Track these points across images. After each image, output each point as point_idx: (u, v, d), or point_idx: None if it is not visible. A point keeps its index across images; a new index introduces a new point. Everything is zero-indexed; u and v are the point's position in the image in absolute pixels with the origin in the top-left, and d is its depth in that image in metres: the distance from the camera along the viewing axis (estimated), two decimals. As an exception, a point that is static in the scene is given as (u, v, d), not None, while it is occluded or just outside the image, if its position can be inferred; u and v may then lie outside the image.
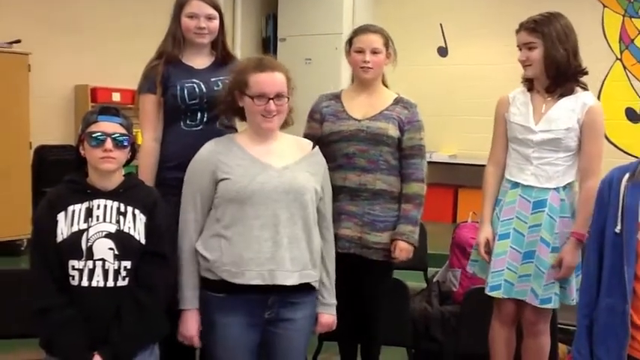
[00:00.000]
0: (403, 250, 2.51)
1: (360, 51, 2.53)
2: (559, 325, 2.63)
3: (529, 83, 2.50)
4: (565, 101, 2.40)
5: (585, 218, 2.27)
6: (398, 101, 2.58)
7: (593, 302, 1.80)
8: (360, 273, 2.55)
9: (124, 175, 1.97)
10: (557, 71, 2.39)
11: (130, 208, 1.89)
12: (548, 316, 2.48)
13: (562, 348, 2.79)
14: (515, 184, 2.45)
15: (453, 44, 6.74)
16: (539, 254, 2.38)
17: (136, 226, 1.89)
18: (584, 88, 2.45)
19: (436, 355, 2.88)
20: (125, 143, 1.89)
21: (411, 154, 2.55)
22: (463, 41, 6.66)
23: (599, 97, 4.98)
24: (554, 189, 2.41)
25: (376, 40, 2.53)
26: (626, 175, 1.75)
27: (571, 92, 2.40)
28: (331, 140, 2.53)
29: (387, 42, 2.56)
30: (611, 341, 1.73)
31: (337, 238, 2.33)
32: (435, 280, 3.26)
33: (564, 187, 2.42)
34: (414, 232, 2.53)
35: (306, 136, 2.42)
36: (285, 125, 2.12)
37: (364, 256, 2.51)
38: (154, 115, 2.43)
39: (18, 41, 4.85)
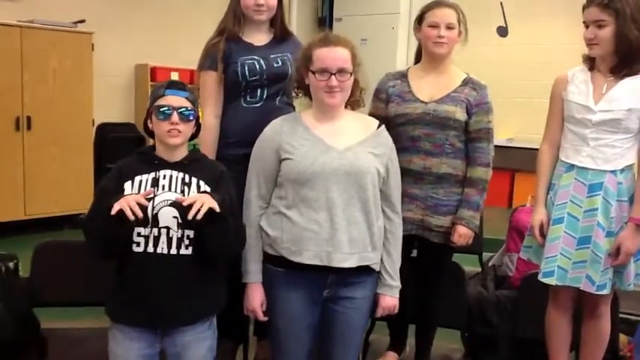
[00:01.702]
0: (463, 235, 2.48)
1: (435, 25, 2.47)
2: (621, 315, 2.56)
3: (590, 62, 2.40)
4: (628, 81, 2.30)
5: None
6: (467, 82, 2.52)
7: None
8: (420, 255, 2.55)
9: (189, 150, 2.01)
10: (628, 52, 2.29)
11: (194, 179, 1.92)
12: (609, 299, 2.41)
13: (622, 338, 2.72)
14: (571, 167, 2.37)
15: (513, 24, 6.56)
16: (596, 239, 2.31)
17: None
18: None
19: (490, 339, 2.84)
20: (191, 117, 1.93)
21: (478, 137, 2.50)
22: (523, 21, 6.47)
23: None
24: (611, 172, 2.32)
25: (451, 15, 2.47)
26: None
27: (636, 73, 2.30)
28: (397, 123, 2.50)
29: (460, 18, 2.51)
30: None
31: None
32: (490, 264, 3.22)
33: (622, 170, 2.32)
34: (475, 217, 2.49)
35: (371, 115, 2.39)
36: (355, 105, 2.11)
37: (425, 238, 2.50)
38: (215, 91, 2.47)
39: (82, 21, 4.99)
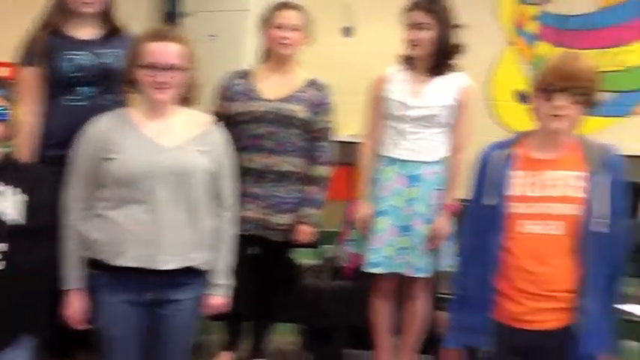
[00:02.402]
0: (305, 233, 2.56)
1: (280, 27, 2.51)
2: (442, 295, 2.77)
3: (408, 61, 2.56)
4: (442, 80, 2.51)
5: (455, 190, 2.41)
6: (311, 82, 2.60)
7: (466, 272, 1.92)
8: (260, 253, 2.58)
9: (4, 154, 1.87)
10: (444, 54, 2.49)
11: (9, 188, 1.80)
12: (426, 282, 2.60)
13: (443, 315, 2.94)
14: (391, 161, 2.54)
15: (358, 24, 6.79)
16: (415, 226, 2.50)
17: (14, 205, 1.80)
18: (457, 68, 2.55)
19: (328, 330, 2.96)
20: (5, 117, 1.80)
21: (319, 136, 2.59)
22: (370, 22, 6.72)
23: (489, 80, 5.23)
24: (429, 163, 2.51)
25: (296, 17, 2.54)
26: (500, 150, 1.88)
27: (448, 72, 2.51)
28: (240, 121, 2.51)
29: (305, 20, 2.57)
30: (479, 307, 1.86)
31: (240, 220, 2.32)
32: (327, 256, 3.33)
33: (438, 161, 2.53)
34: (317, 215, 2.58)
35: (215, 114, 2.37)
36: (189, 102, 2.06)
37: (266, 238, 2.54)
38: (34, 88, 2.33)
39: None
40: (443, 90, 2.50)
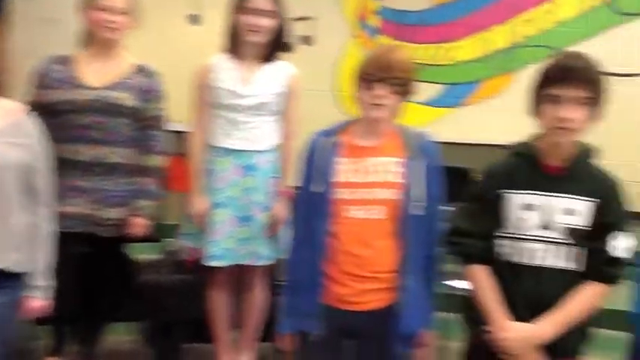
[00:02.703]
0: (139, 227, 2.45)
1: (105, 9, 2.36)
2: (280, 282, 2.80)
3: (234, 49, 2.52)
4: (271, 68, 2.53)
5: (289, 177, 2.45)
6: (139, 69, 2.47)
7: (297, 257, 1.95)
8: (90, 251, 2.44)
9: None
10: (279, 42, 2.50)
11: None
12: (264, 270, 2.61)
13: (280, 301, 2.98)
14: (226, 151, 2.51)
15: (205, 12, 6.65)
16: (255, 215, 2.50)
17: None
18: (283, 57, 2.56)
19: (168, 325, 2.88)
20: None
21: (151, 125, 2.48)
22: (216, 9, 6.61)
23: (335, 71, 5.36)
24: (262, 151, 2.52)
25: (123, 0, 2.40)
26: (326, 138, 1.91)
27: (276, 59, 2.54)
28: (62, 110, 2.34)
29: (133, 4, 2.43)
30: (310, 291, 1.89)
31: (63, 216, 2.17)
32: (168, 250, 3.25)
33: (271, 150, 2.54)
34: (152, 206, 2.48)
35: (30, 103, 2.18)
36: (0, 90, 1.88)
37: (96, 234, 2.40)
38: None
39: None
40: (273, 78, 2.52)
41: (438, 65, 5.33)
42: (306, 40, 5.46)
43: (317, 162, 1.89)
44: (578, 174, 1.75)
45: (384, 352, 1.91)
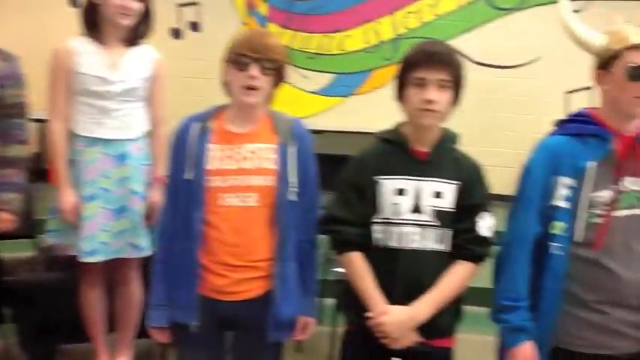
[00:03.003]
0: (5, 222, 2.29)
1: None
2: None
3: (94, 32, 2.39)
4: (135, 52, 2.44)
5: (162, 164, 2.37)
6: None
7: (169, 248, 1.87)
8: None
9: None
10: (147, 24, 2.42)
11: None
12: (138, 264, 2.54)
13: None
14: (93, 141, 2.40)
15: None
16: (132, 206, 2.41)
17: None
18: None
19: (44, 326, 2.72)
20: None
21: (11, 112, 2.31)
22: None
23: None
24: (134, 139, 2.43)
25: None
26: (196, 124, 1.85)
27: (139, 44, 2.45)
28: None
29: None
30: (185, 283, 1.83)
31: None
32: (42, 247, 3.07)
33: (142, 137, 2.47)
34: (17, 199, 2.31)
35: None
36: None
37: None
38: None
39: None
40: (139, 62, 2.43)
41: (328, 55, 5.38)
42: (194, 26, 5.34)
43: (188, 149, 1.83)
44: (443, 158, 1.81)
45: (262, 340, 1.88)
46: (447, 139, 1.84)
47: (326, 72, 5.41)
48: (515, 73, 5.19)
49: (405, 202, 1.77)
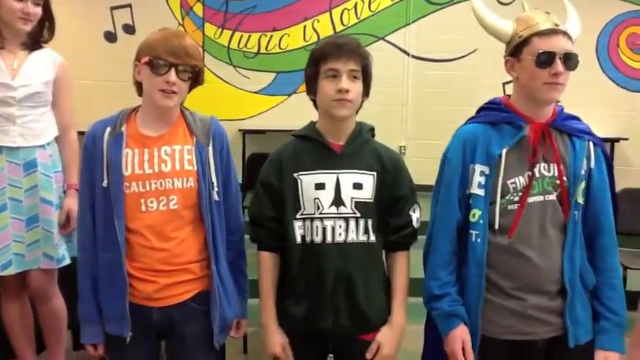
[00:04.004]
0: None
1: None
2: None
3: None
4: (36, 55, 2.38)
5: (75, 170, 2.31)
6: None
7: (94, 259, 1.81)
8: None
9: None
10: (49, 27, 2.38)
11: None
12: (55, 277, 2.46)
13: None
14: None
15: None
16: (44, 215, 2.34)
17: None
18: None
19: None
20: None
21: None
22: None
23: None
24: (41, 146, 2.37)
25: None
26: (108, 129, 1.79)
27: (41, 47, 2.39)
28: None
29: None
30: (115, 294, 1.78)
31: None
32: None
33: (49, 143, 2.41)
34: None
35: None
36: None
37: None
38: None
39: None
40: (41, 66, 2.37)
41: (268, 54, 5.35)
42: (128, 29, 5.22)
43: (102, 155, 1.77)
44: (359, 150, 1.83)
45: (198, 343, 1.85)
46: (363, 131, 1.86)
47: (267, 71, 5.38)
48: (453, 66, 5.26)
49: (326, 196, 1.77)
